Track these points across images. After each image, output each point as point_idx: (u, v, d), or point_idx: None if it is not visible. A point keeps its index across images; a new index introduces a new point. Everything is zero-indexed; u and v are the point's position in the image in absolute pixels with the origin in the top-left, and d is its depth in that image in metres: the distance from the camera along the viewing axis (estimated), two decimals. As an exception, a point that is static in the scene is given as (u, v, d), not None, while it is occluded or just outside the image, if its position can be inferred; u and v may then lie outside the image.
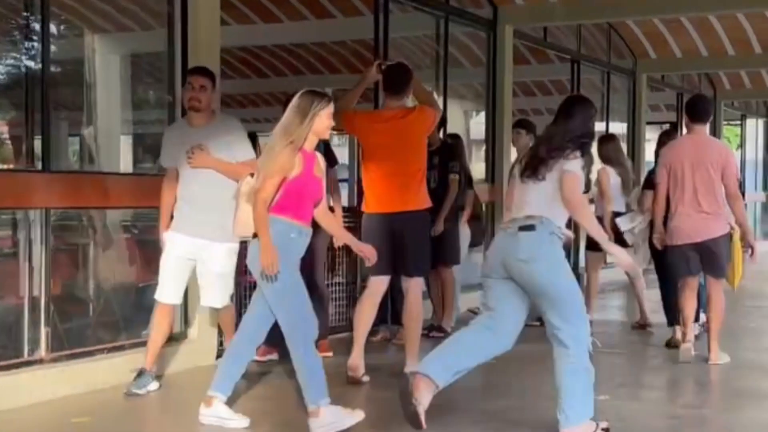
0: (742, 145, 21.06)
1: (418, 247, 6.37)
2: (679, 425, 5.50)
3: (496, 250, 5.07)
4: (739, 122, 20.96)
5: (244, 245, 5.48)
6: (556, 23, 11.94)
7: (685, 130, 7.38)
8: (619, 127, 14.99)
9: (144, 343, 6.22)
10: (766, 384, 6.63)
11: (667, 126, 12.12)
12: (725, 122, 19.33)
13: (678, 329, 7.45)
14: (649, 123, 16.10)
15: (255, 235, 5.02)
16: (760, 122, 21.81)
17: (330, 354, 7.03)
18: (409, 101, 6.62)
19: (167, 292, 6.10)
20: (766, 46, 14.05)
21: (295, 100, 5.05)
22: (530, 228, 4.87)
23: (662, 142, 8.01)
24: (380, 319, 7.48)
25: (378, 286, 6.43)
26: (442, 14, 10.06)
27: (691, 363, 7.03)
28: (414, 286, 6.43)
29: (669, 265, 7.24)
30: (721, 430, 5.52)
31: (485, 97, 11.01)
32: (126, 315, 7.25)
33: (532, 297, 4.95)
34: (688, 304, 7.08)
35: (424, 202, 6.40)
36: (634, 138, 14.82)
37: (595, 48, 13.74)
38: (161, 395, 6.07)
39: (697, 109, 7.11)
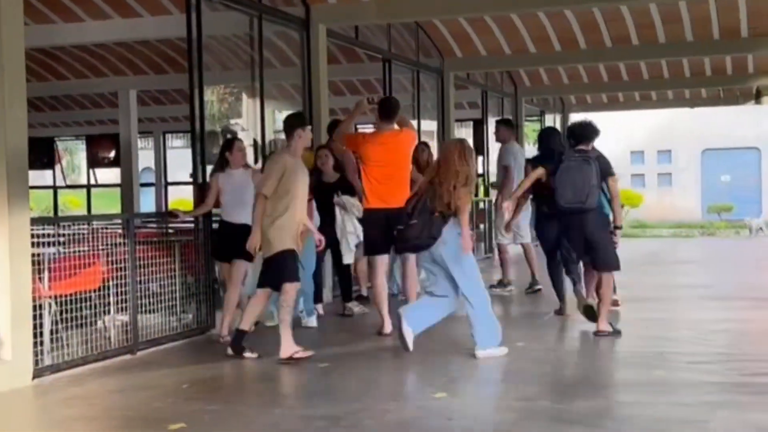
0: (541, 140, 21.83)
1: None
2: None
3: None
4: (538, 118, 21.76)
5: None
6: (368, 22, 11.97)
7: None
8: (429, 125, 15.26)
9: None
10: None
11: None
12: (526, 118, 19.99)
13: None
14: (457, 120, 16.49)
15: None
16: (557, 118, 22.71)
17: None
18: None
19: None
20: (564, 43, 14.59)
21: None
22: None
23: None
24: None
25: (383, 263, 8.39)
26: (256, 13, 9.87)
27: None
28: (411, 259, 8.48)
29: None
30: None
31: (302, 97, 10.89)
32: None
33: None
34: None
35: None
36: (444, 136, 15.08)
37: (404, 48, 13.89)
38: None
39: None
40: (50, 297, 7.01)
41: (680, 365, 6.79)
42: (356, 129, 10.77)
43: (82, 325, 7.17)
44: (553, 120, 22.52)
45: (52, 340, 6.91)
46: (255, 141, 10.25)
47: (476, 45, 14.75)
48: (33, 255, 6.73)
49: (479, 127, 17.87)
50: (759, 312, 9.65)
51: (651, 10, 13.14)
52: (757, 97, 22.04)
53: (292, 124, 7.51)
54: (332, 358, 7.29)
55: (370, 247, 8.45)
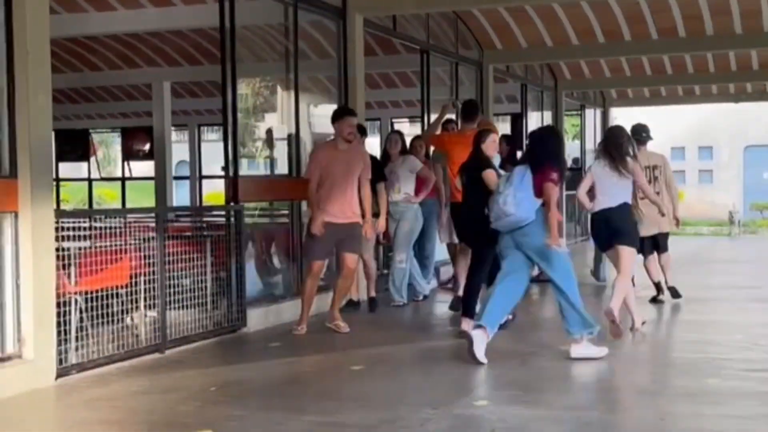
0: (581, 135, 21.47)
1: None
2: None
3: None
4: (578, 112, 21.32)
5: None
6: (406, 12, 11.65)
7: None
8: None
9: None
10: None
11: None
12: (566, 112, 19.59)
13: None
14: (495, 114, 16.11)
15: None
16: (598, 112, 22.27)
17: None
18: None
19: None
20: (608, 35, 14.19)
21: None
22: None
23: None
24: None
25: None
26: (291, 1, 9.57)
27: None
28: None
29: None
30: None
31: (338, 90, 10.58)
32: None
33: None
34: None
35: None
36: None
37: (442, 39, 13.54)
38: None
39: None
40: (77, 293, 6.78)
41: (734, 373, 6.41)
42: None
43: (110, 322, 6.93)
44: (593, 114, 22.09)
45: (77, 338, 6.67)
46: (290, 135, 9.96)
47: (517, 36, 14.36)
48: (59, 249, 6.50)
49: (518, 121, 17.47)
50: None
51: (699, 1, 12.71)
52: (805, 92, 21.50)
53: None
54: (367, 360, 7.00)
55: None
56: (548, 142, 7.06)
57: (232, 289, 8.33)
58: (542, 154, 6.91)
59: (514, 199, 6.66)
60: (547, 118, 18.47)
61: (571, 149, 21.29)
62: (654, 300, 9.83)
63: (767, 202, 33.87)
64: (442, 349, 7.45)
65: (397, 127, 21.15)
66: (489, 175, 7.60)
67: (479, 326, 6.66)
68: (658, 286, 9.97)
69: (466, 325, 7.43)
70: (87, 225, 7.40)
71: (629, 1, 12.76)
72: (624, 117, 25.80)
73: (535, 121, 17.78)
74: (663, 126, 33.69)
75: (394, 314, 9.53)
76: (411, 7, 11.05)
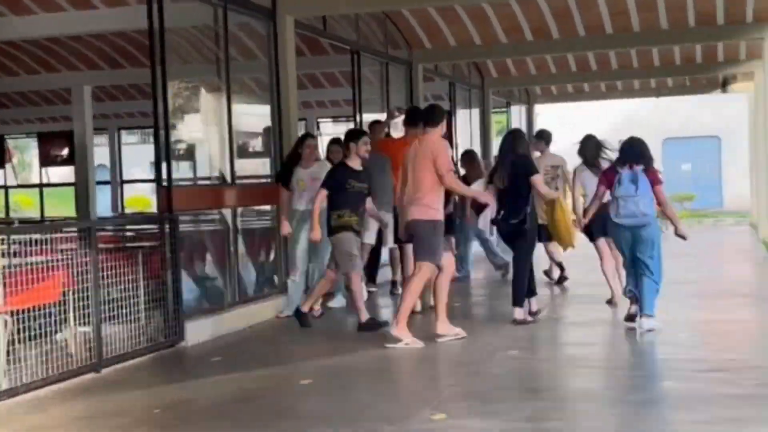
0: (508, 129, 21.51)
1: None
2: None
3: None
4: (504, 109, 21.37)
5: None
6: (338, 12, 11.45)
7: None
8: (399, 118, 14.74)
9: None
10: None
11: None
12: (492, 110, 19.61)
13: None
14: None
15: None
16: (522, 109, 22.37)
17: None
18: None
19: None
20: (536, 33, 14.17)
21: None
22: None
23: None
24: None
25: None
26: (220, 3, 9.30)
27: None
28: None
29: None
30: None
31: (270, 91, 10.33)
32: None
33: None
34: None
35: None
36: (412, 129, 14.56)
37: (371, 39, 13.37)
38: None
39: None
40: (5, 312, 6.43)
41: (689, 374, 6.34)
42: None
43: (42, 342, 6.60)
44: (519, 111, 22.18)
45: (8, 362, 6.33)
46: (222, 139, 9.68)
47: (445, 35, 14.27)
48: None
49: (447, 119, 17.35)
50: (754, 311, 9.30)
51: (626, -4, 12.78)
52: (724, 85, 21.88)
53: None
54: (315, 373, 6.78)
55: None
56: (647, 147, 8.24)
57: (168, 302, 8.04)
58: (649, 159, 8.21)
59: (647, 200, 7.96)
60: (475, 115, 18.47)
61: (497, 145, 21.39)
62: (560, 281, 11.15)
63: (687, 193, 34.54)
64: (390, 359, 7.28)
65: (322, 126, 21.04)
66: (538, 180, 8.56)
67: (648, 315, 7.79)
68: (561, 266, 11.26)
69: (519, 314, 8.39)
70: (16, 239, 7.05)
71: (557, -3, 12.77)
72: (548, 113, 26.11)
73: (463, 119, 17.75)
74: (586, 121, 34.12)
75: (334, 322, 9.33)
76: (343, 7, 10.87)
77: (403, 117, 10.27)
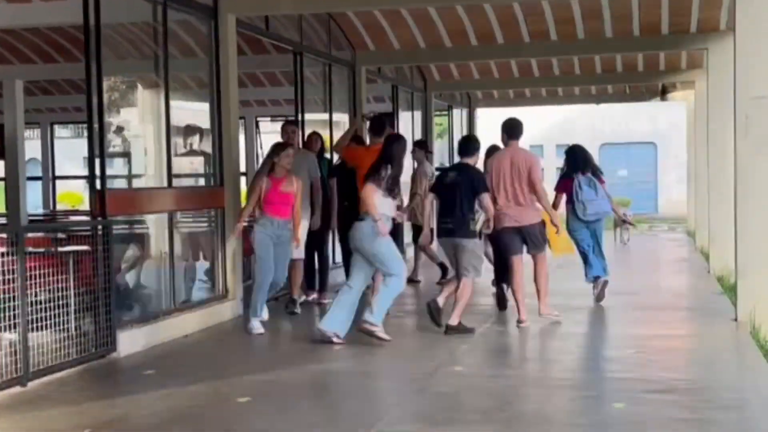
0: (449, 133, 21.48)
1: None
2: None
3: None
4: (446, 113, 21.28)
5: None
6: (281, 12, 11.16)
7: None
8: (341, 117, 14.50)
9: None
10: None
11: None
12: (435, 113, 19.50)
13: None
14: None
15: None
16: (464, 112, 22.30)
17: None
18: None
19: None
20: (481, 38, 14.03)
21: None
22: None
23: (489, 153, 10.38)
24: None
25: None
26: (160, 0, 8.96)
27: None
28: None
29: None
30: None
31: (210, 90, 10.00)
32: None
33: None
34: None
35: None
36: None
37: (314, 40, 13.10)
38: None
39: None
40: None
41: (638, 396, 6.18)
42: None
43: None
44: (460, 114, 22.10)
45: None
46: (160, 139, 9.35)
47: (390, 38, 14.06)
48: None
49: (390, 121, 17.19)
50: (696, 325, 9.24)
51: (572, 4, 12.67)
52: (663, 93, 22.05)
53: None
54: (253, 389, 6.51)
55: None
56: (590, 154, 10.33)
57: (99, 310, 7.69)
58: (595, 165, 10.54)
59: (606, 201, 10.32)
60: (417, 118, 18.34)
61: (439, 147, 21.32)
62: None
63: (623, 198, 34.81)
64: (330, 374, 7.05)
65: (261, 125, 20.68)
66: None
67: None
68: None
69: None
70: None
71: (503, 4, 12.61)
72: (487, 116, 26.04)
73: (406, 121, 17.58)
74: (525, 124, 34.23)
75: (272, 332, 9.08)
76: (286, 7, 10.59)
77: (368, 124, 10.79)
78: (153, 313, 8.70)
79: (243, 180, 13.17)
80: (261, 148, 19.70)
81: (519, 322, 8.75)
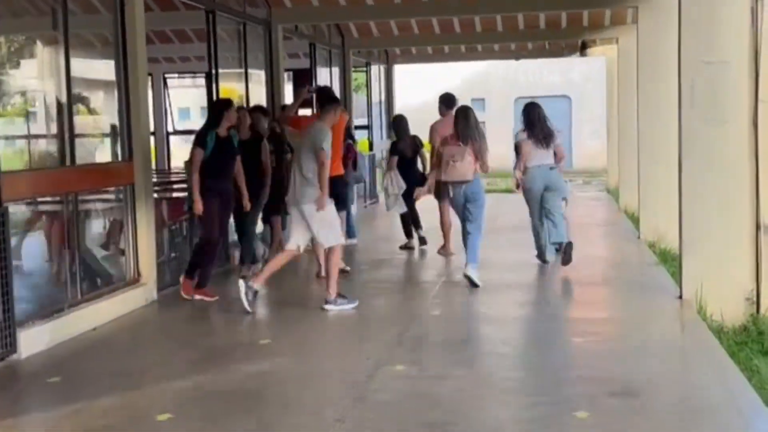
0: (368, 90, 20.83)
1: None
2: None
3: None
4: (364, 69, 20.58)
5: None
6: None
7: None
8: (257, 74, 13.67)
9: None
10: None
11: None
12: (353, 69, 18.81)
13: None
14: (286, 70, 15.05)
15: None
16: (382, 68, 21.64)
17: None
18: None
19: None
20: (405, -4, 13.37)
21: None
22: None
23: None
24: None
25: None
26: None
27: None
28: None
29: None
30: None
31: (115, 49, 9.09)
32: None
33: None
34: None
35: None
36: (273, 87, 13.54)
37: (228, -4, 12.22)
38: None
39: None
40: None
41: (600, 400, 5.62)
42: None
43: None
44: (378, 70, 21.43)
45: None
46: (60, 104, 8.47)
47: (307, -6, 13.29)
48: None
49: (304, 78, 16.42)
50: (642, 304, 8.70)
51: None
52: (582, 49, 21.70)
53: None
54: (174, 401, 5.80)
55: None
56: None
57: (-4, 306, 6.85)
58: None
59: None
60: (336, 74, 17.63)
61: (357, 103, 20.72)
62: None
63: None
64: (261, 377, 6.35)
65: (169, 82, 19.67)
66: None
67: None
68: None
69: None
70: None
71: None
72: (403, 70, 25.35)
73: (324, 77, 16.84)
74: (441, 78, 33.65)
75: (197, 321, 8.37)
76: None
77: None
78: (57, 306, 7.87)
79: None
80: (170, 105, 18.87)
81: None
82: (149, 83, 19.31)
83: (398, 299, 9.40)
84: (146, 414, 5.57)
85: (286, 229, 10.06)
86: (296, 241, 8.50)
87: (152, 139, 19.88)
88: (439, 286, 9.83)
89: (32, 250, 8.51)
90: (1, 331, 6.82)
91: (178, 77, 21.94)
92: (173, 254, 10.87)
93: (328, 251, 8.52)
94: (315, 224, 8.35)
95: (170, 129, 18.96)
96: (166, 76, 19.61)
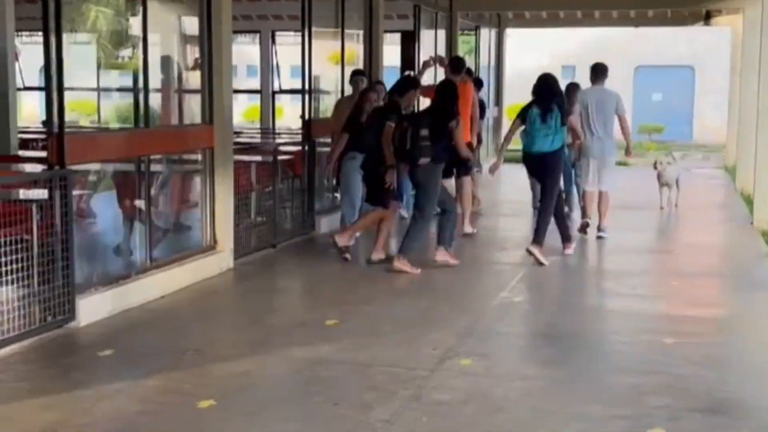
0: (476, 54, 20.18)
1: None
2: None
3: None
4: (473, 32, 19.93)
5: None
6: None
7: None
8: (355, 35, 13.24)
9: None
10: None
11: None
12: (461, 32, 18.19)
13: None
14: (386, 31, 14.56)
15: None
16: (493, 32, 20.96)
17: None
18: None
19: None
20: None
21: None
22: None
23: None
24: None
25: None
26: None
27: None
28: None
29: None
30: None
31: (198, 2, 8.78)
32: None
33: None
34: None
35: None
36: (372, 50, 13.08)
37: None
38: None
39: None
40: None
41: (679, 414, 5.10)
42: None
43: None
44: (488, 34, 20.75)
45: None
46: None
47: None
48: None
49: (409, 40, 15.91)
50: (744, 306, 8.00)
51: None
52: (707, 18, 20.58)
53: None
54: (220, 389, 5.46)
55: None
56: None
57: (57, 271, 6.65)
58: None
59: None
60: (441, 37, 17.03)
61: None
62: None
63: (656, 124, 33.30)
64: (317, 365, 5.96)
65: (279, 40, 19.39)
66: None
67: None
68: None
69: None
70: None
71: None
72: (513, 35, 24.55)
73: (429, 39, 16.30)
74: (554, 44, 32.64)
75: (267, 295, 8.07)
76: None
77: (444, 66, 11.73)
78: (125, 272, 7.65)
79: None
80: (277, 64, 18.55)
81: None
82: (257, 40, 19.30)
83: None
84: (188, 401, 5.24)
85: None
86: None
87: (258, 97, 19.86)
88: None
89: (105, 213, 8.32)
90: (60, 298, 6.65)
91: (294, 35, 21.66)
92: (260, 219, 10.54)
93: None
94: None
95: (276, 87, 18.63)
96: (275, 32, 19.37)
